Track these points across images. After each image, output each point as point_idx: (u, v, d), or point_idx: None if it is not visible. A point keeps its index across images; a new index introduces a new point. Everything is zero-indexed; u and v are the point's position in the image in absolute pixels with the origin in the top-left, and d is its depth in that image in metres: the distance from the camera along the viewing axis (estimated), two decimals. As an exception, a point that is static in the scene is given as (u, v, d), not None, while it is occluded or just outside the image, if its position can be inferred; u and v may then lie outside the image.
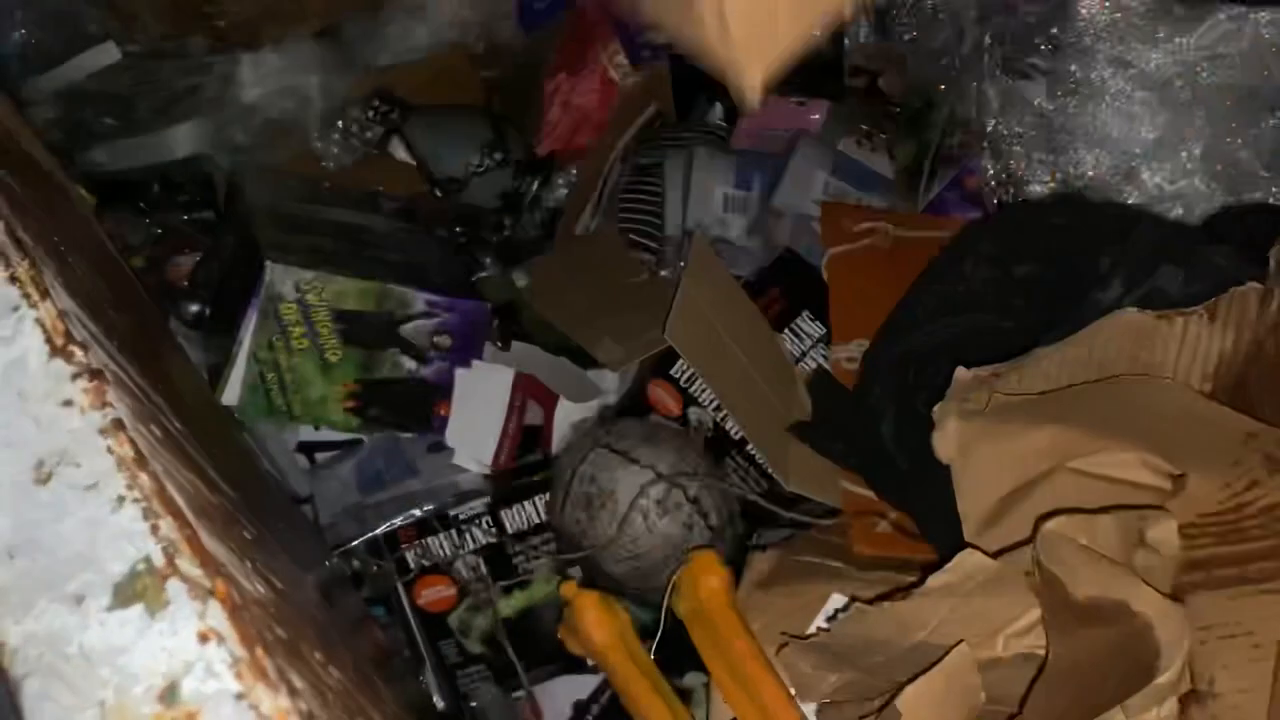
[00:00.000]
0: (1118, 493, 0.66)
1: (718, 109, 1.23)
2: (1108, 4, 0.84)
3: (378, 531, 0.89)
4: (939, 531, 0.76)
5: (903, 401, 0.79)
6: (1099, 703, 0.56)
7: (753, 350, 0.91)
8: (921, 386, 0.70)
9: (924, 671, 0.62)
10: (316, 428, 1.00)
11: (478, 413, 0.97)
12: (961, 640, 0.61)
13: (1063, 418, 0.67)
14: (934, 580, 0.59)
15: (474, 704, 0.93)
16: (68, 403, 0.30)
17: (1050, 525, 0.58)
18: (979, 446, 0.68)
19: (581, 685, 0.91)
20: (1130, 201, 0.77)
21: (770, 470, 0.87)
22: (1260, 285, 0.63)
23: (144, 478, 0.29)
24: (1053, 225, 0.80)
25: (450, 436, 0.97)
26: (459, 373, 0.97)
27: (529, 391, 0.97)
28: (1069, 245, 0.76)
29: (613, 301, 1.02)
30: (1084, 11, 0.84)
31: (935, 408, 0.69)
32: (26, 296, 0.33)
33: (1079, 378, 0.68)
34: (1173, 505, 0.64)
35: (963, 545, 0.69)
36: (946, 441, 0.69)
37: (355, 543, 0.89)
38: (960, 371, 0.67)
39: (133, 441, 0.30)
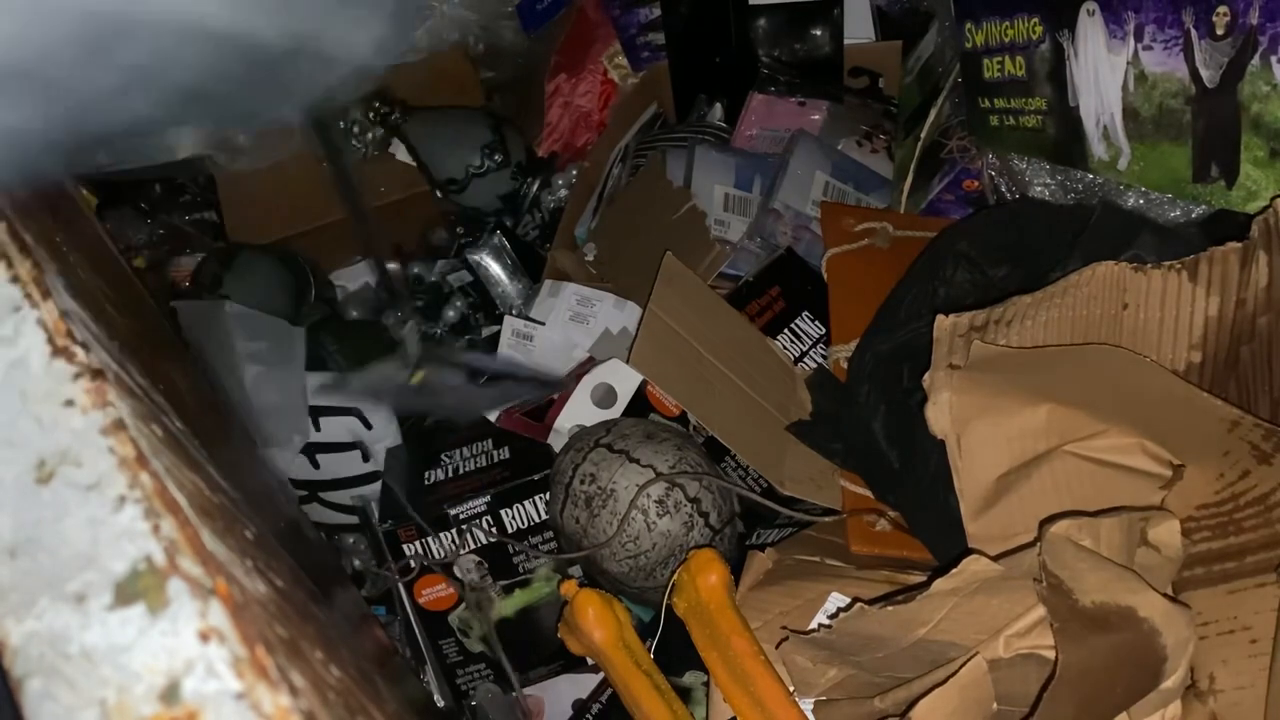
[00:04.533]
0: (1117, 478, 0.66)
1: (718, 109, 1.23)
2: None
3: (380, 529, 0.90)
4: (929, 529, 0.76)
5: (893, 400, 0.79)
6: (1107, 708, 0.56)
7: (737, 360, 0.91)
8: (915, 387, 0.71)
9: (928, 673, 0.62)
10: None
11: (547, 357, 1.00)
12: (963, 637, 0.62)
13: (1058, 395, 0.67)
14: (939, 585, 0.59)
15: (474, 702, 0.93)
16: (69, 403, 0.31)
17: (1054, 529, 0.58)
18: (975, 424, 0.68)
19: (581, 684, 0.91)
20: (1130, 204, 0.78)
21: (764, 476, 0.87)
22: (1239, 244, 0.63)
23: (145, 477, 0.29)
24: (1024, 227, 0.80)
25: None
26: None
27: (579, 373, 0.97)
28: (1040, 246, 0.76)
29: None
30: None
31: (925, 376, 0.69)
32: (29, 297, 0.33)
33: (1065, 339, 0.68)
34: (1172, 496, 0.65)
35: (952, 544, 0.69)
36: (940, 414, 0.68)
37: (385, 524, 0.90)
38: (940, 319, 0.67)
39: (134, 441, 0.30)
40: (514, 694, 0.92)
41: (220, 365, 0.98)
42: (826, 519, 0.84)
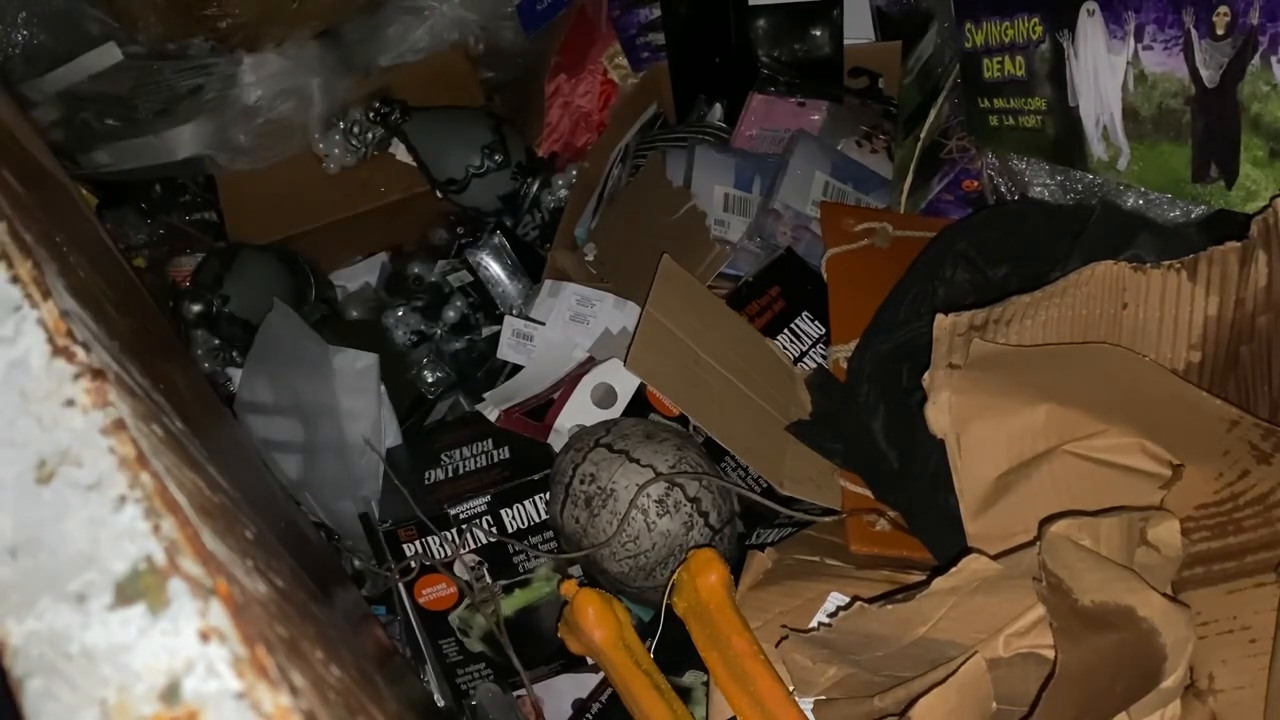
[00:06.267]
0: (1117, 478, 0.66)
1: (717, 109, 1.23)
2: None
3: (380, 528, 0.90)
4: (928, 529, 0.76)
5: (893, 400, 0.79)
6: (1107, 708, 0.56)
7: (736, 361, 0.91)
8: (914, 387, 0.71)
9: (928, 672, 0.62)
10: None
11: (546, 358, 1.00)
12: (963, 636, 0.62)
13: (1057, 394, 0.67)
14: (939, 584, 0.59)
15: (474, 702, 0.93)
16: (70, 402, 0.31)
17: (1054, 529, 0.58)
18: (974, 423, 0.68)
19: (581, 683, 0.91)
20: (1130, 204, 0.78)
21: (764, 477, 0.87)
22: (1239, 244, 0.63)
23: (146, 477, 0.29)
24: (1024, 227, 0.80)
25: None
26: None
27: (579, 373, 0.97)
28: (1039, 246, 0.76)
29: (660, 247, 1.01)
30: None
31: (925, 376, 0.69)
32: (29, 297, 0.33)
33: (1064, 338, 0.68)
34: (1171, 496, 0.65)
35: (952, 543, 0.69)
36: (939, 413, 0.68)
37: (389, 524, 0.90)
38: (940, 318, 0.68)
39: (134, 441, 0.30)
40: (514, 694, 0.93)
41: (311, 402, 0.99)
42: (826, 519, 0.84)
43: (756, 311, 0.98)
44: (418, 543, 0.89)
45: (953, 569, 0.59)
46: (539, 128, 1.36)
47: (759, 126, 1.18)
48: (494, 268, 1.18)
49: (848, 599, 0.72)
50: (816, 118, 1.17)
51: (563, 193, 1.27)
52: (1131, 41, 0.72)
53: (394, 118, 1.25)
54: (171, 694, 0.26)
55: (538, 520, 0.89)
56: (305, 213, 1.29)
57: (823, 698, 0.68)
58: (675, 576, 0.76)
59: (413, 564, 0.89)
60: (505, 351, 1.04)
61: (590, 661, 0.83)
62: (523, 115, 1.39)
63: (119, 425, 0.30)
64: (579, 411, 0.93)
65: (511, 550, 0.89)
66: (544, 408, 0.96)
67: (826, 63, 1.23)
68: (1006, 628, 0.61)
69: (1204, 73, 0.67)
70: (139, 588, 0.27)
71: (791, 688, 0.68)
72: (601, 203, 1.22)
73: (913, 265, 0.85)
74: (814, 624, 0.71)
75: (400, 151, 1.29)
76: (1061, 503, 0.65)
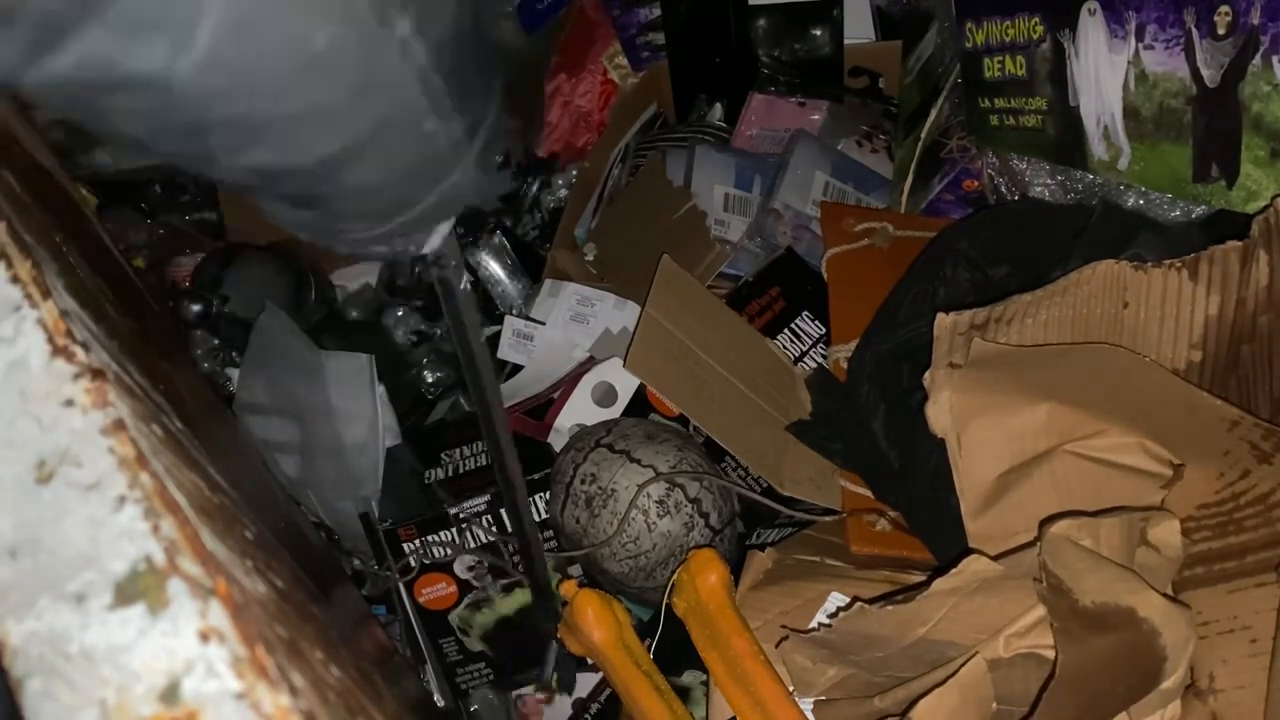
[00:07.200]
0: (1118, 478, 0.66)
1: (718, 109, 1.23)
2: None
3: (380, 528, 0.90)
4: (928, 529, 0.76)
5: (893, 400, 0.79)
6: (1107, 708, 0.56)
7: (736, 361, 0.91)
8: (915, 387, 0.71)
9: (928, 673, 0.62)
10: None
11: (546, 357, 1.00)
12: (963, 637, 0.62)
13: (1058, 394, 0.67)
14: (939, 584, 0.59)
15: (474, 706, 0.93)
16: (69, 402, 0.31)
17: (1054, 529, 0.58)
18: (975, 422, 0.68)
19: (581, 683, 0.91)
20: (1130, 204, 0.78)
21: (764, 477, 0.87)
22: (1240, 243, 0.63)
23: (145, 477, 0.29)
24: (1025, 227, 0.80)
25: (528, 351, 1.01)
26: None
27: (580, 372, 0.97)
28: (1040, 246, 0.76)
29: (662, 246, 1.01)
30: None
31: (925, 375, 0.69)
32: (29, 296, 0.33)
33: (1065, 338, 0.68)
34: (1172, 496, 0.65)
35: (952, 543, 0.69)
36: (940, 413, 0.68)
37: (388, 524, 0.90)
38: (941, 317, 0.68)
39: (134, 441, 0.30)
40: (514, 694, 0.93)
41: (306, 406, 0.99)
42: (826, 519, 0.84)
43: (756, 311, 0.98)
44: (417, 542, 0.89)
45: (953, 570, 0.59)
46: (539, 128, 1.36)
47: (759, 126, 1.18)
48: (494, 268, 1.18)
49: (848, 599, 0.71)
50: (816, 118, 1.17)
51: (563, 193, 1.27)
52: (1132, 41, 0.72)
53: (394, 117, 1.25)
54: (171, 694, 0.26)
55: (538, 520, 0.89)
56: (305, 212, 1.29)
57: (823, 698, 0.68)
58: (675, 577, 0.76)
59: (412, 563, 0.89)
60: (505, 351, 1.04)
61: (590, 661, 0.83)
62: (523, 115, 1.39)
63: (119, 425, 0.30)
64: (579, 411, 0.93)
65: (511, 550, 0.89)
66: (544, 407, 0.96)
67: (826, 62, 1.23)
68: (1007, 628, 0.61)
69: (1205, 72, 0.67)
70: (138, 588, 0.27)
71: (791, 688, 0.68)
72: (601, 203, 1.22)
73: (913, 265, 0.85)
74: (814, 624, 0.71)
75: (400, 151, 1.28)
76: (1062, 503, 0.65)
